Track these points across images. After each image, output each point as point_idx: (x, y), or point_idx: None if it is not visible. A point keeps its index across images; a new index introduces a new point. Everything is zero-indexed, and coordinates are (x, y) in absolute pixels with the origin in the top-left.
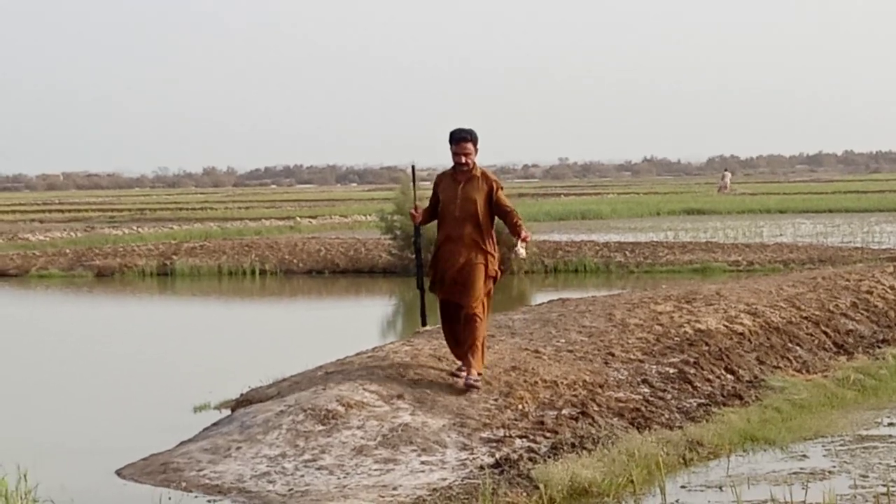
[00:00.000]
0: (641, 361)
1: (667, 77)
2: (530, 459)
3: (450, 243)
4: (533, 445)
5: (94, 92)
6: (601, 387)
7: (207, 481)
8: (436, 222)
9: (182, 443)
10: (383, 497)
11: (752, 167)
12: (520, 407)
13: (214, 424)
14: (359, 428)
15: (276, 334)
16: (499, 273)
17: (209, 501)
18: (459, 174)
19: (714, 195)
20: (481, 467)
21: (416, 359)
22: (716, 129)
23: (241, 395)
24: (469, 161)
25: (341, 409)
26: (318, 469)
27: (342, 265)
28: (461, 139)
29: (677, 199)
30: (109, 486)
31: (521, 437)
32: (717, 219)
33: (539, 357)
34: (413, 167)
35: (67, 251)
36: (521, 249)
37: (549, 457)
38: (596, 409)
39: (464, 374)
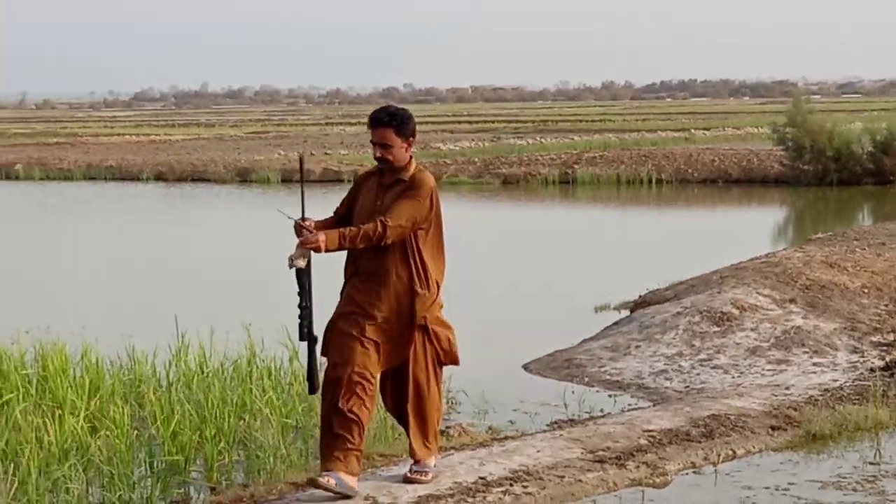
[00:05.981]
0: None
1: None
2: None
3: (360, 280)
4: None
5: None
6: None
7: (608, 377)
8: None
9: (584, 340)
10: (776, 396)
11: None
12: None
13: (615, 324)
14: (752, 330)
15: (671, 240)
16: (451, 346)
17: (610, 395)
18: (387, 175)
19: None
20: (872, 370)
21: (808, 265)
22: None
23: (640, 296)
24: (389, 157)
25: (735, 311)
26: (713, 368)
27: (735, 175)
28: (377, 122)
29: None
30: (517, 378)
31: None
32: None
33: None
34: (301, 156)
35: (476, 160)
36: (299, 256)
37: None
38: None
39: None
